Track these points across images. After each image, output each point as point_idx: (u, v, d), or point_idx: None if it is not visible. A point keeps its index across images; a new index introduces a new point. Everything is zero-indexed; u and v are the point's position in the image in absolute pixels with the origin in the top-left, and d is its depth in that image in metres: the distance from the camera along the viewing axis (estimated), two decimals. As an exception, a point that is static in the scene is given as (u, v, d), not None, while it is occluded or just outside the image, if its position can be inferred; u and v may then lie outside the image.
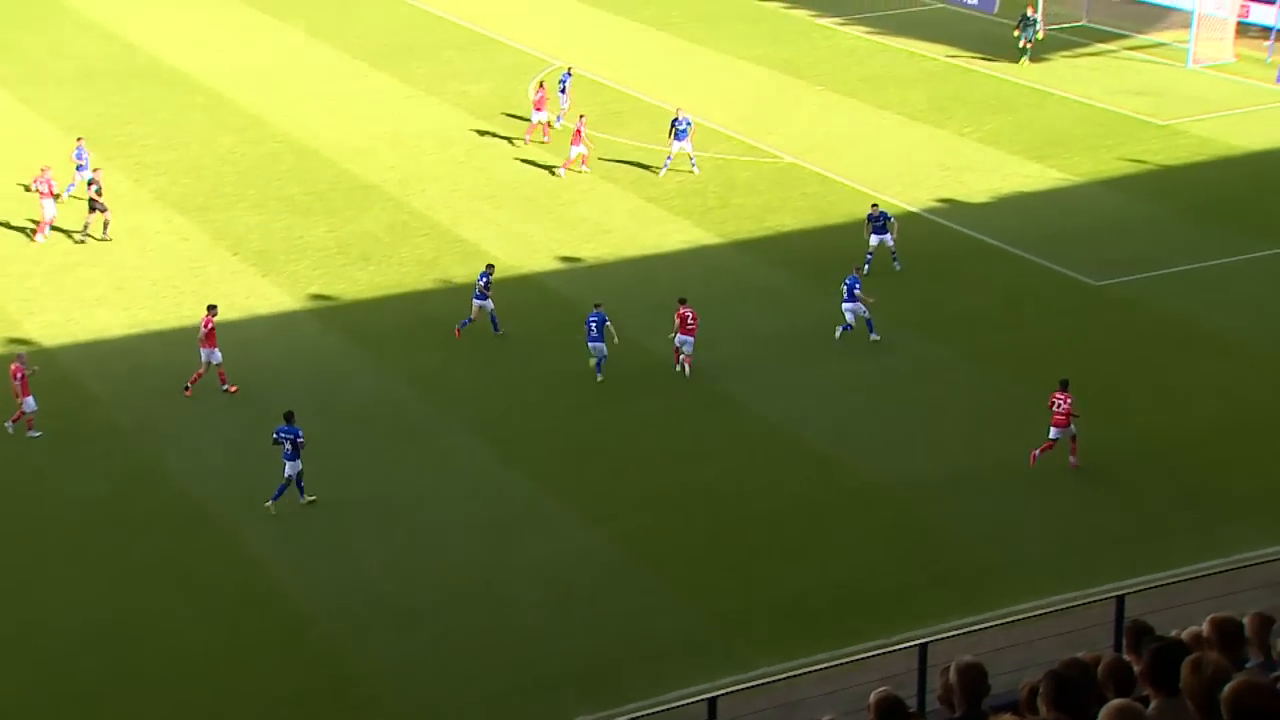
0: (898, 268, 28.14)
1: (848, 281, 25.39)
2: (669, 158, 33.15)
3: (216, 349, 23.62)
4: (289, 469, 20.64)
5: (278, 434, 20.70)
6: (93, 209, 29.53)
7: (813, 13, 48.19)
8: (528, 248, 29.72)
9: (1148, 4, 46.99)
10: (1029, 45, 41.50)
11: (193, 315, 26.07)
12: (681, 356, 24.40)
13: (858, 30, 46.22)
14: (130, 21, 47.10)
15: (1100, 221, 30.81)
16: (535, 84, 36.86)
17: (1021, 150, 34.84)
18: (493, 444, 22.54)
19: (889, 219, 28.05)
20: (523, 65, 42.35)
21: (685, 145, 33.08)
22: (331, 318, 26.76)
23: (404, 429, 23.04)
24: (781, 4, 49.58)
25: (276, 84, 40.39)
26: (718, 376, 24.52)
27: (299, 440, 20.63)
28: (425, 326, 26.45)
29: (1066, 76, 40.72)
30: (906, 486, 21.27)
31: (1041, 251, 29.09)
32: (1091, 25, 45.50)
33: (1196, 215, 30.87)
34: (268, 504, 20.73)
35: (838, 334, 25.33)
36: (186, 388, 23.78)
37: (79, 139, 31.94)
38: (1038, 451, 21.46)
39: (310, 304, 27.30)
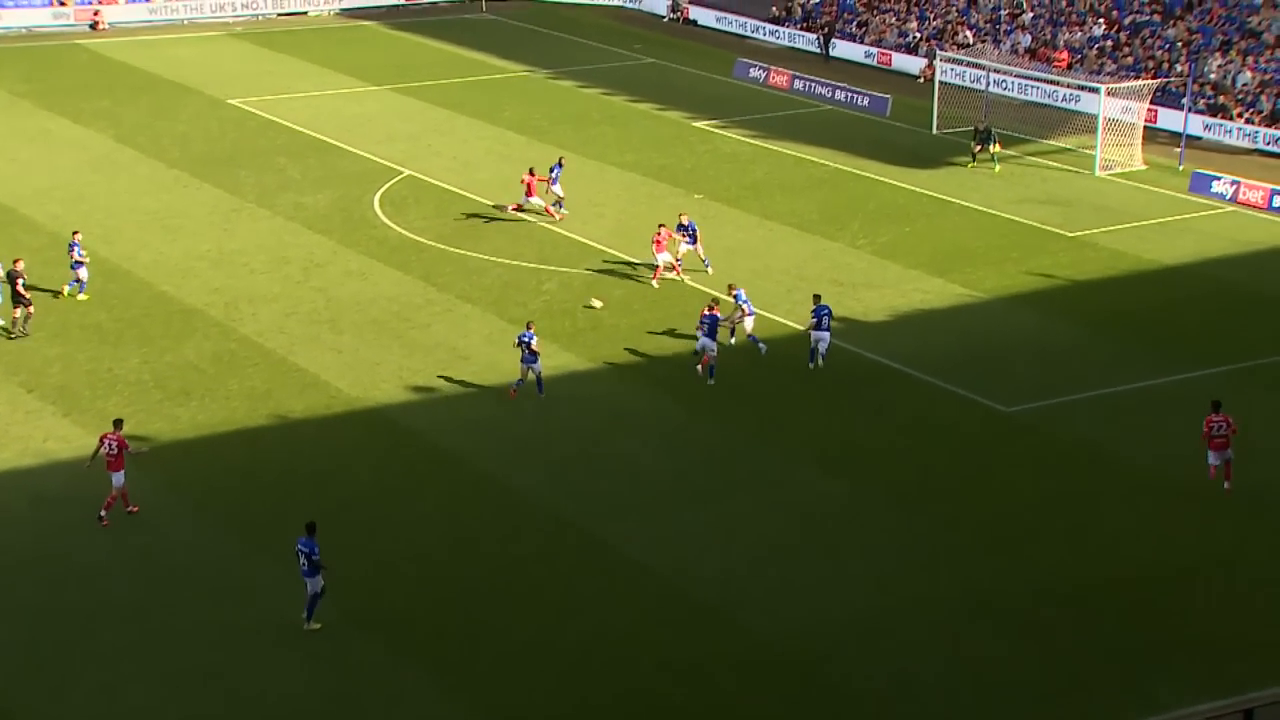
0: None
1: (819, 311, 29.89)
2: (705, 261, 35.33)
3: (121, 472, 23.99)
4: (310, 586, 21.34)
5: (298, 548, 21.55)
6: (17, 303, 31.29)
7: (687, 115, 50.05)
8: (374, 377, 29.96)
9: (1051, 107, 49.97)
10: (996, 150, 43.72)
11: (-21, 462, 25.65)
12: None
13: (738, 134, 48.08)
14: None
15: (1008, 341, 32.22)
16: (526, 171, 39.54)
17: (921, 264, 36.39)
18: (345, 614, 22.39)
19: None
20: (368, 173, 43.06)
21: (697, 248, 34.93)
22: (146, 463, 26.51)
23: (228, 589, 22.74)
24: (653, 106, 51.42)
25: (79, 196, 40.33)
26: (593, 517, 24.85)
27: (314, 556, 21.39)
28: (258, 469, 26.38)
29: (966, 184, 42.82)
30: (805, 637, 21.68)
31: (945, 375, 30.28)
32: (993, 129, 48.05)
33: (1110, 335, 32.49)
34: (308, 625, 21.38)
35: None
36: (100, 516, 24.03)
37: None
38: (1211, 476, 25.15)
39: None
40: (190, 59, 57.63)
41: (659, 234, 34.90)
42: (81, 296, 33.43)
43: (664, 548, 23.93)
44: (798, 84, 53.80)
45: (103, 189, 40.81)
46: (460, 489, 25.77)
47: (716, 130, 47.99)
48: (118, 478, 24.36)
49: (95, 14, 62.39)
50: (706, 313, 30.02)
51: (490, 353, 31.17)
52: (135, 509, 24.69)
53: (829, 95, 52.47)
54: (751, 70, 55.84)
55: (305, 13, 67.07)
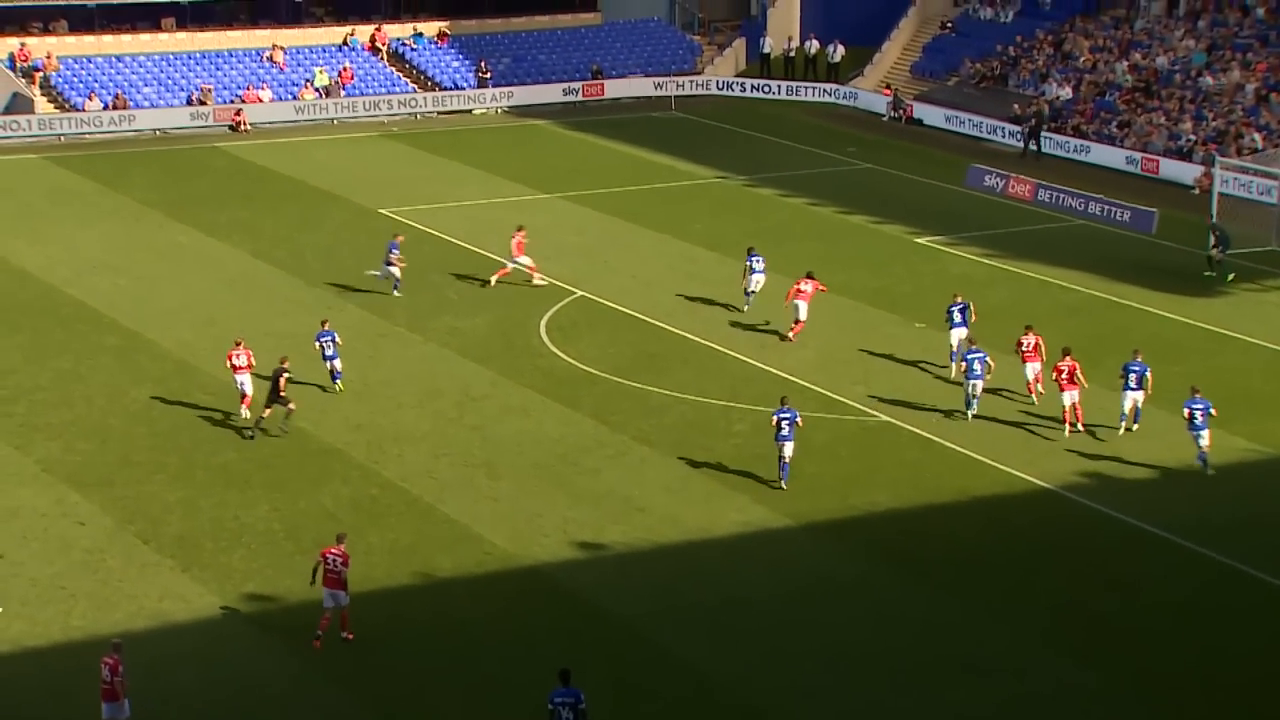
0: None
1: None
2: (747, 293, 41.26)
3: None
4: None
5: (552, 700, 22.59)
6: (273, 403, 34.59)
7: (909, 229, 50.48)
8: (534, 530, 30.60)
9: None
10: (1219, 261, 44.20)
11: (85, 625, 26.82)
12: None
13: (970, 252, 48.27)
14: (16, 238, 49.84)
15: (1301, 507, 31.58)
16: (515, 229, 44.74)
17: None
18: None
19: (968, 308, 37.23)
20: (534, 294, 44.31)
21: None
22: (274, 624, 27.40)
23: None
24: (868, 218, 52.06)
25: (209, 320, 42.18)
26: (790, 703, 24.90)
27: (580, 706, 22.47)
28: (402, 632, 27.10)
29: (1252, 315, 42.17)
30: None
31: (1223, 546, 29.69)
32: (1227, 231, 47.34)
33: None
34: None
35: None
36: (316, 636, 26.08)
37: None
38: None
39: (246, 606, 27.96)
40: (338, 163, 60.40)
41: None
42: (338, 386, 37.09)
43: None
44: (1043, 194, 53.92)
45: (235, 310, 42.82)
46: (632, 665, 26.05)
47: (944, 248, 48.29)
48: (339, 596, 26.26)
49: (237, 114, 65.95)
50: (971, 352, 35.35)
51: (670, 504, 31.63)
52: (351, 635, 26.35)
53: (1081, 208, 52.46)
54: (987, 178, 56.19)
55: (470, 110, 69.88)
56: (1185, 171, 55.86)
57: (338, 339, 37.35)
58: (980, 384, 35.39)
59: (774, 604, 27.92)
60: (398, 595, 28.24)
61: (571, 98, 71.18)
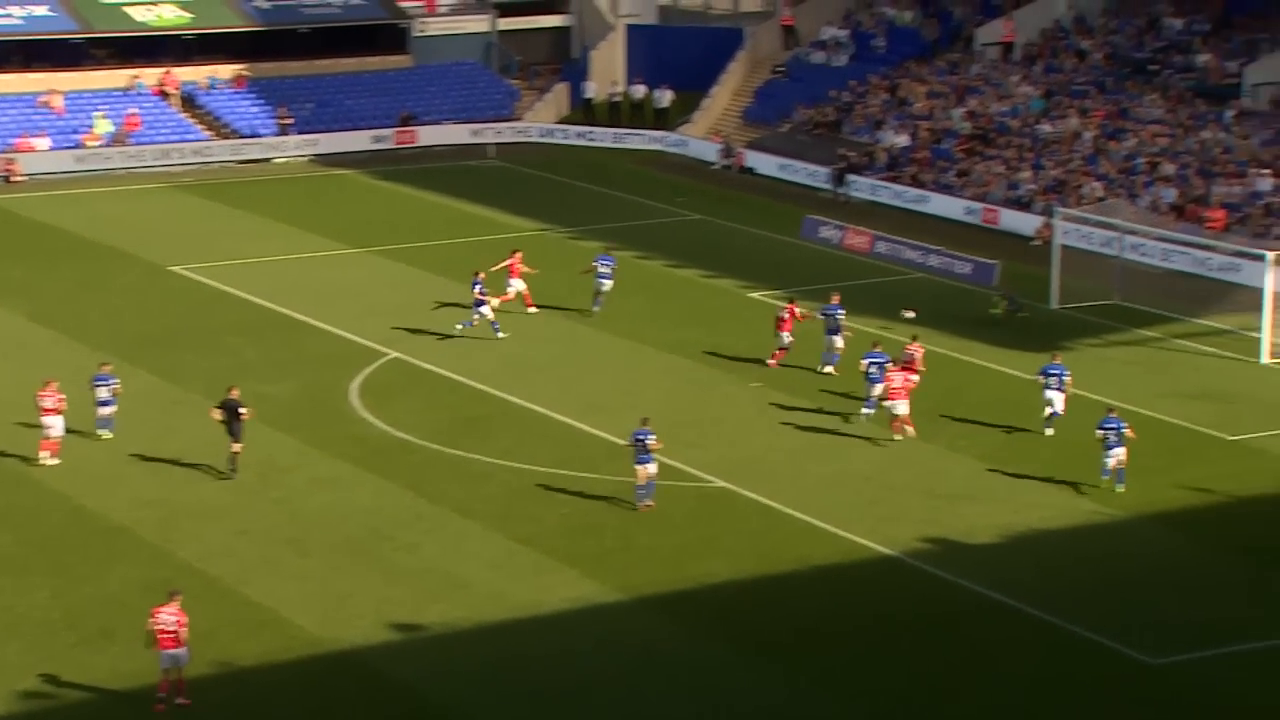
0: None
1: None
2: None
3: None
4: None
5: None
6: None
7: (742, 283, 51.11)
8: (346, 612, 30.17)
9: (1203, 278, 50.71)
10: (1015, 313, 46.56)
11: None
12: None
13: (809, 307, 48.89)
14: None
15: (1153, 573, 32.26)
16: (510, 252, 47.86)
17: (1040, 470, 36.69)
18: None
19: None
20: (344, 356, 44.00)
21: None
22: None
23: None
24: (699, 272, 52.62)
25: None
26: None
27: None
28: (194, 729, 26.57)
29: (1096, 371, 43.32)
30: None
31: (1072, 614, 30.32)
32: (1128, 305, 48.74)
33: (1284, 564, 32.60)
34: None
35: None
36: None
37: None
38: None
39: (22, 705, 27.16)
40: (126, 217, 59.45)
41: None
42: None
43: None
44: (881, 246, 54.95)
45: (8, 380, 41.79)
46: (453, 756, 25.88)
47: (781, 302, 48.83)
48: (179, 656, 26.79)
49: (9, 163, 64.59)
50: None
51: (493, 580, 31.45)
52: (188, 702, 26.61)
53: (920, 260, 53.55)
54: (823, 229, 57.12)
55: (269, 159, 69.27)
56: (1025, 222, 57.37)
57: (117, 386, 37.46)
58: (881, 387, 38.72)
59: (603, 683, 27.84)
60: (194, 687, 27.59)
61: (381, 145, 70.96)
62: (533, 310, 47.19)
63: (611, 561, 32.25)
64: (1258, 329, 44.65)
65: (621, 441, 37.10)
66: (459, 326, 45.30)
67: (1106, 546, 33.38)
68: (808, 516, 34.37)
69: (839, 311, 43.26)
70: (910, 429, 38.12)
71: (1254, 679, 28.27)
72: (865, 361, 39.28)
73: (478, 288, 44.89)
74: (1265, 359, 44.18)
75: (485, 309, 44.93)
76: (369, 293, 50.13)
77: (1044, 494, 35.63)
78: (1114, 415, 36.02)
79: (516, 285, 47.30)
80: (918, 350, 40.82)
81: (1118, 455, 35.42)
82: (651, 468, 34.30)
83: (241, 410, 35.93)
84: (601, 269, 47.50)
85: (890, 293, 50.49)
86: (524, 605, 30.46)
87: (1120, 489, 35.38)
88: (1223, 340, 46.03)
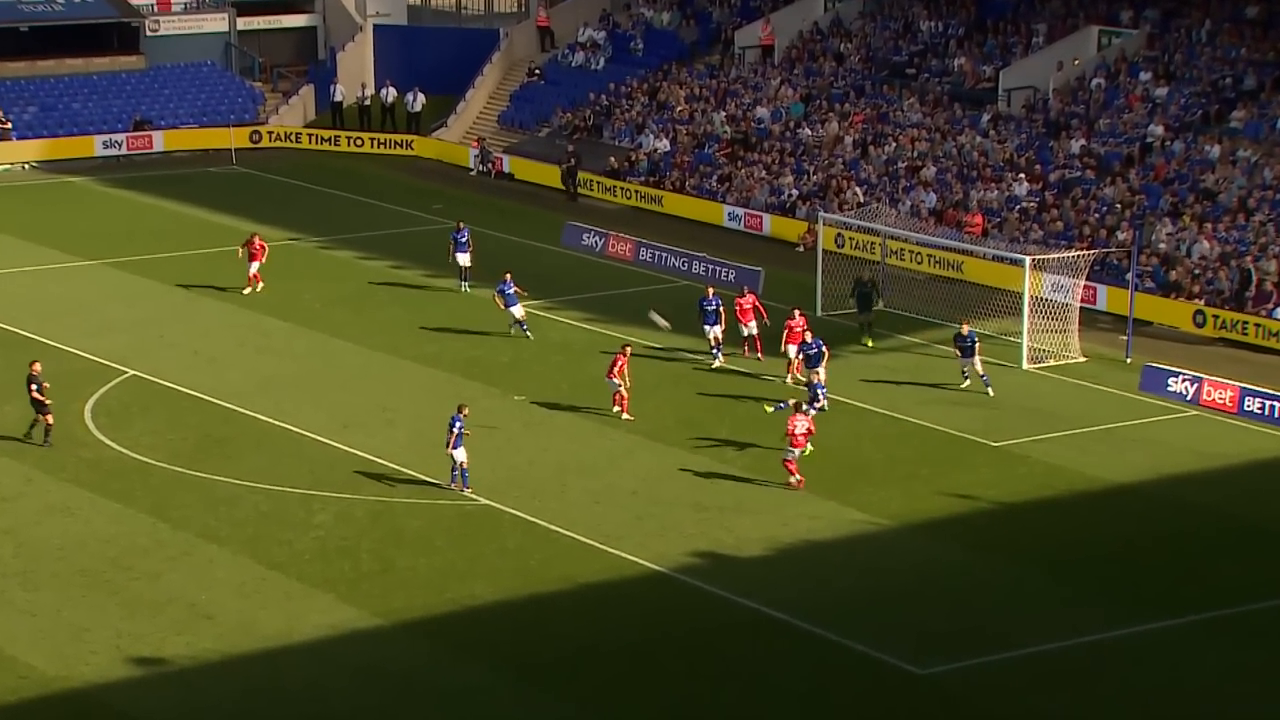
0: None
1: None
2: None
3: None
4: None
5: None
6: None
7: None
8: (81, 648, 29.56)
9: (963, 282, 52.22)
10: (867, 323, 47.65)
11: None
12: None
13: (569, 317, 49.16)
14: None
15: (920, 582, 33.17)
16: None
17: (808, 483, 37.39)
18: None
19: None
20: (75, 375, 43.04)
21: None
22: None
23: None
24: (460, 281, 52.57)
25: None
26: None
27: None
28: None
29: (854, 379, 44.36)
30: None
31: (839, 626, 31.02)
32: (892, 310, 49.94)
33: (1048, 573, 33.64)
34: None
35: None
36: None
37: None
38: None
39: None
40: None
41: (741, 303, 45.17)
42: None
43: None
44: (645, 253, 55.50)
45: None
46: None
47: (542, 313, 49.10)
48: None
49: None
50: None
51: (243, 608, 31.09)
52: None
53: (684, 268, 54.19)
54: (585, 236, 57.50)
55: (-13, 167, 67.36)
56: (789, 228, 58.46)
57: None
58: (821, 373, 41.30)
59: (362, 714, 27.71)
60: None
61: (113, 151, 69.47)
62: (248, 292, 49.84)
63: (369, 585, 32.10)
64: (1018, 334, 46.11)
65: (377, 459, 36.99)
66: (512, 329, 46.76)
67: (873, 557, 34.20)
68: (573, 533, 34.61)
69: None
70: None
71: (1018, 686, 29.21)
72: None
73: (508, 288, 45.90)
74: (1026, 365, 45.66)
75: (517, 309, 46.19)
76: (103, 307, 49.09)
77: (812, 505, 36.35)
78: (970, 329, 42.91)
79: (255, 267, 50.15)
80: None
81: (976, 364, 42.90)
82: (460, 454, 35.82)
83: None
84: (461, 240, 50.93)
85: (650, 301, 51.02)
86: (276, 634, 30.16)
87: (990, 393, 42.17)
88: (985, 346, 47.38)
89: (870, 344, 46.75)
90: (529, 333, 46.39)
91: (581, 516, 35.37)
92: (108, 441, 38.94)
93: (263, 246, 50.60)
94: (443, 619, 31.05)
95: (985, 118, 60.85)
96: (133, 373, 43.42)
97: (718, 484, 37.31)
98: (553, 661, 29.60)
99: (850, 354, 46.17)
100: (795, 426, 36.73)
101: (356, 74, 75.74)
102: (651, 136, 66.25)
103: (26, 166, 67.87)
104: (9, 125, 68.49)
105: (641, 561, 33.42)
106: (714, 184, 62.61)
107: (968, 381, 43.26)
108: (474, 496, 35.96)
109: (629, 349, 41.22)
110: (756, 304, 45.63)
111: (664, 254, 55.15)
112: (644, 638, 30.66)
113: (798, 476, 36.73)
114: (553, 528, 34.85)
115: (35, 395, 38.30)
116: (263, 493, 36.16)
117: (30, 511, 35.14)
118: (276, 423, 40.20)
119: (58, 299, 49.87)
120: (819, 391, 40.42)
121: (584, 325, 48.68)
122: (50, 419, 38.35)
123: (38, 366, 38.66)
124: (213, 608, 31.14)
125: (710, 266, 53.71)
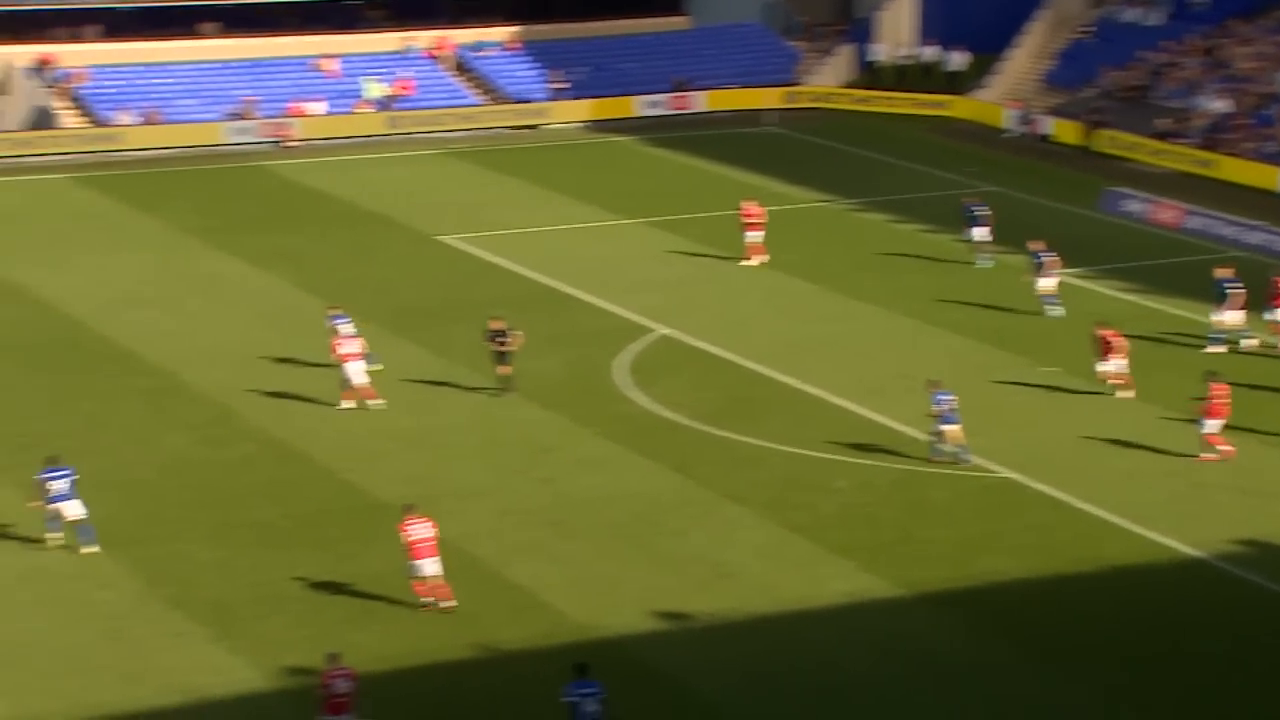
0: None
1: None
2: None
3: None
4: None
5: (572, 692, 25.14)
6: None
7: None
8: (611, 599, 30.61)
9: None
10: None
11: (110, 701, 27.06)
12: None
13: (1107, 287, 47.85)
14: (39, 266, 50.50)
15: None
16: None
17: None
18: None
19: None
20: (611, 332, 44.54)
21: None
22: (316, 700, 27.63)
23: None
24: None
25: (246, 359, 42.44)
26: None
27: (602, 696, 24.79)
28: (465, 713, 27.13)
29: None
30: None
31: None
32: None
33: None
34: None
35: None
36: None
37: None
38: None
39: (288, 682, 28.07)
40: (398, 184, 60.97)
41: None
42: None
43: None
44: (1192, 221, 53.46)
45: (277, 348, 43.28)
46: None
47: (1077, 282, 47.96)
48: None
49: (284, 129, 66.76)
50: None
51: (763, 570, 31.57)
52: None
53: (1237, 238, 51.92)
54: (1126, 202, 55.79)
55: (534, 126, 70.12)
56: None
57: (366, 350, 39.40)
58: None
59: (878, 686, 27.76)
60: (453, 669, 28.26)
61: (656, 111, 71.44)
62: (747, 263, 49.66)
63: (889, 555, 32.11)
64: None
65: (900, 427, 36.98)
66: (1046, 305, 45.33)
67: None
68: (1103, 511, 33.72)
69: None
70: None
71: None
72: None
73: (1042, 258, 45.45)
74: None
75: (1048, 281, 45.32)
76: (638, 265, 50.59)
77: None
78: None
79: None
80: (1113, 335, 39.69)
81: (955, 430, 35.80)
82: (956, 429, 35.43)
83: (505, 338, 39.42)
84: (978, 213, 49.94)
85: (1204, 276, 49.12)
86: (795, 598, 30.52)
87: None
88: None
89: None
90: (1058, 307, 45.08)
91: (1111, 495, 34.40)
92: (639, 399, 40.13)
93: (757, 213, 50.03)
94: (964, 593, 30.77)
95: None
96: (665, 331, 44.64)
97: (1264, 469, 35.63)
98: (1077, 646, 28.90)
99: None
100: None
101: (896, 32, 75.48)
102: (1207, 97, 63.61)
103: (575, 126, 70.09)
104: (565, 85, 71.29)
105: (1177, 545, 32.29)
106: (1275, 148, 59.69)
107: None
108: (995, 468, 35.45)
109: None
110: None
111: (1215, 222, 52.97)
112: (1175, 623, 29.61)
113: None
114: (1080, 505, 34.05)
115: (497, 348, 39.60)
116: (785, 455, 36.61)
117: (567, 463, 36.48)
118: (801, 386, 40.64)
119: (598, 256, 51.63)
120: None
121: (1123, 296, 47.29)
122: (505, 370, 39.61)
123: (500, 323, 39.90)
124: (734, 567, 31.73)
125: (1268, 236, 51.31)
